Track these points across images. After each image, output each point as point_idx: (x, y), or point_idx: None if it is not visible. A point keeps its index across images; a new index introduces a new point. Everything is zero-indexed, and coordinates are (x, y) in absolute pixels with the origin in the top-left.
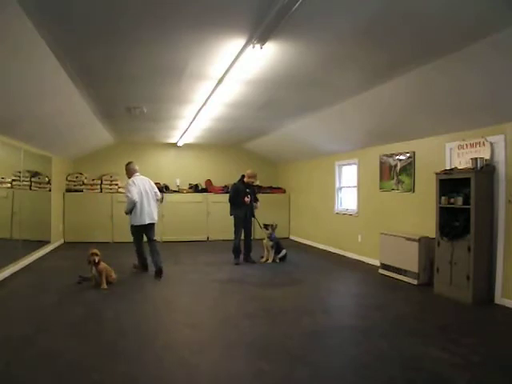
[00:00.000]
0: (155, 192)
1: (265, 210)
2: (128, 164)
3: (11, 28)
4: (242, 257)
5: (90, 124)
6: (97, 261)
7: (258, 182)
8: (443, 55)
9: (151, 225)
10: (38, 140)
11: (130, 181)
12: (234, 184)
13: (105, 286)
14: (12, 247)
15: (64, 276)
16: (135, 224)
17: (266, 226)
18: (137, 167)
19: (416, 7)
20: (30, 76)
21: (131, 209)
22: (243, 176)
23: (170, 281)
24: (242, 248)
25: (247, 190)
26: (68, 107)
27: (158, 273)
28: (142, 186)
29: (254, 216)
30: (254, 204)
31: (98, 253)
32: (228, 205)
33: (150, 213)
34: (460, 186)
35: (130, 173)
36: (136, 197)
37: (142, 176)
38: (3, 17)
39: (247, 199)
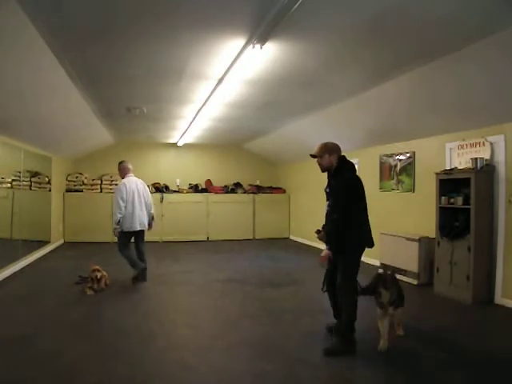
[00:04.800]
0: (146, 201)
1: (265, 210)
2: (121, 163)
3: (9, 27)
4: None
5: (90, 124)
6: (99, 277)
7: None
8: (446, 54)
9: (142, 231)
10: (37, 140)
11: (122, 183)
12: (348, 178)
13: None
14: (12, 247)
15: (64, 276)
16: (125, 230)
17: (379, 281)
18: (130, 166)
19: (419, 5)
20: (29, 76)
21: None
22: (344, 158)
23: (170, 281)
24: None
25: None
26: (68, 107)
27: (143, 275)
28: (134, 186)
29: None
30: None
31: (100, 269)
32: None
33: (141, 217)
34: (460, 186)
35: (123, 172)
36: (123, 207)
37: (134, 177)
38: (1, 15)
39: (323, 258)
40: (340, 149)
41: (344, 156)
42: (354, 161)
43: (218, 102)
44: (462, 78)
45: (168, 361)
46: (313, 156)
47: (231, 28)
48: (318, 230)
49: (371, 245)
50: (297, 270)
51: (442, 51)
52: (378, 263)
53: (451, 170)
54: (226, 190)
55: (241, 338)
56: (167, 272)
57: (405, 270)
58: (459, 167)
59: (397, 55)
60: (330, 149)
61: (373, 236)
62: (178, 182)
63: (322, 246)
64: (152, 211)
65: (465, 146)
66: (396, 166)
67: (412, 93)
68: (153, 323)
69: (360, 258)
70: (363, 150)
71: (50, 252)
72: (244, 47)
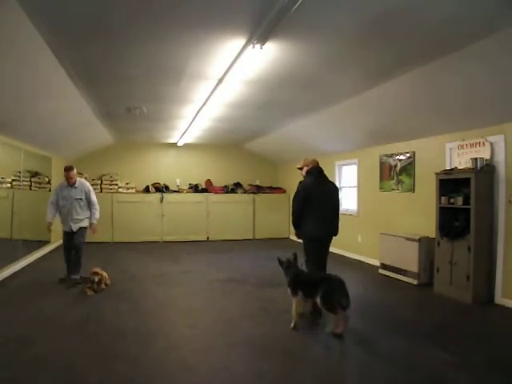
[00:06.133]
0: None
1: (265, 210)
2: (72, 168)
3: (8, 26)
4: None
5: (90, 124)
6: (97, 280)
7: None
8: (447, 53)
9: None
10: (37, 140)
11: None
12: (300, 182)
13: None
14: (12, 247)
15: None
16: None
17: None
18: None
19: (419, 5)
20: (29, 76)
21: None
22: (319, 168)
23: (170, 281)
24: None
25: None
26: (68, 107)
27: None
28: None
29: (336, 234)
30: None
31: (99, 271)
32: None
33: None
34: (460, 186)
35: (75, 177)
36: None
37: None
38: (0, 14)
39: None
40: (316, 162)
41: (315, 167)
42: (353, 161)
43: (218, 102)
44: (463, 77)
45: (168, 361)
46: (298, 168)
47: (231, 28)
48: None
49: (320, 236)
50: None
51: (443, 50)
52: (377, 263)
53: (451, 170)
54: (226, 189)
55: (241, 338)
56: (167, 272)
57: (405, 270)
58: (459, 167)
59: (398, 54)
60: (307, 162)
61: (372, 236)
62: (177, 181)
63: None
64: None
65: (465, 146)
66: (396, 165)
67: (413, 92)
68: (153, 323)
69: (312, 245)
70: (363, 150)
71: (50, 252)
72: (244, 47)
